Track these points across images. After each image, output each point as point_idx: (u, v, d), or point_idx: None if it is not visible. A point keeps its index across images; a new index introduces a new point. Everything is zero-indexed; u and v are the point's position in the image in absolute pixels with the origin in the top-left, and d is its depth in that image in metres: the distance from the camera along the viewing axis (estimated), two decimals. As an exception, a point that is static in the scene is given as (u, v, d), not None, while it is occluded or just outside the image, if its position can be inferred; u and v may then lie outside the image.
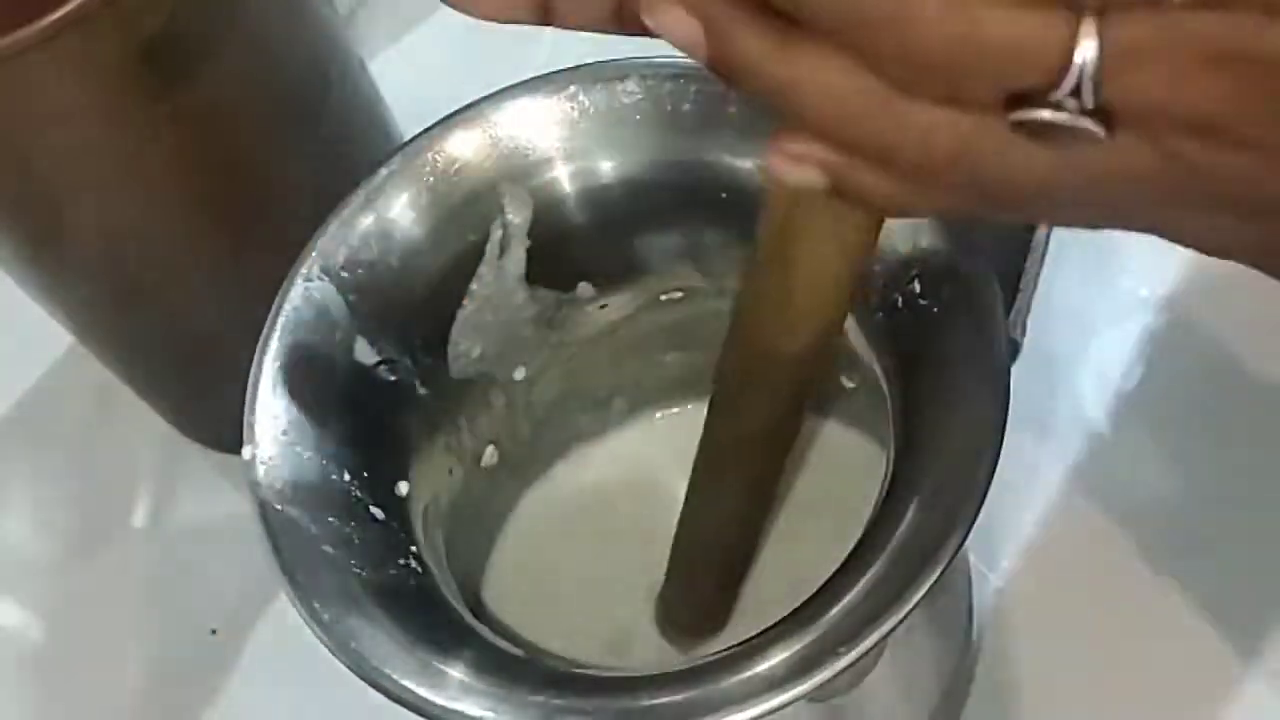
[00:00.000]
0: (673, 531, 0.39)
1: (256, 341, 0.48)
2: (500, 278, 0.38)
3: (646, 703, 0.31)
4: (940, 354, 0.34)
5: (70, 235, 0.44)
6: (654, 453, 0.44)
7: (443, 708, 0.31)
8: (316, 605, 0.33)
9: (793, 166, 0.23)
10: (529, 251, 0.38)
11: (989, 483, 0.32)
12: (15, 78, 0.37)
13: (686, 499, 0.37)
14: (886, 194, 0.23)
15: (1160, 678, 0.44)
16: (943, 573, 0.31)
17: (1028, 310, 0.46)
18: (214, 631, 0.51)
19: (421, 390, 0.37)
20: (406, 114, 0.52)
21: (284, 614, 0.51)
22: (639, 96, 0.37)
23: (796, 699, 0.30)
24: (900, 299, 0.35)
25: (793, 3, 0.22)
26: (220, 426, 0.54)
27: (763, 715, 0.30)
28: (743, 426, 0.34)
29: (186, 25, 0.39)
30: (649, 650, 0.41)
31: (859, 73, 0.21)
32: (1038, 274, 0.38)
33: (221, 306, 0.47)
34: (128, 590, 0.52)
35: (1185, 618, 0.44)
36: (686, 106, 0.37)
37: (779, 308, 0.30)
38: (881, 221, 0.28)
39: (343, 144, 0.47)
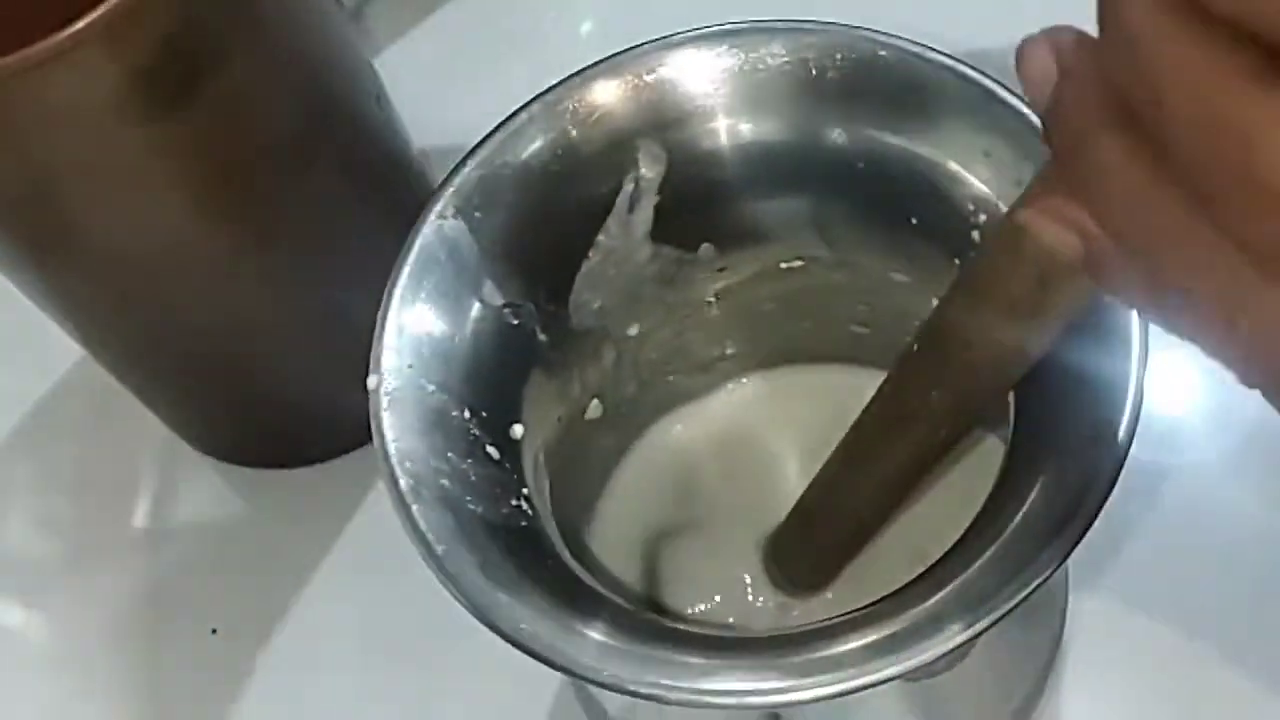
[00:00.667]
0: (769, 494, 0.40)
1: (258, 349, 0.47)
2: (627, 232, 0.38)
3: (765, 660, 0.31)
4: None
5: (79, 244, 0.44)
6: (755, 417, 0.43)
7: (585, 664, 0.31)
8: (431, 539, 0.33)
9: (1056, 228, 0.23)
10: (657, 208, 0.38)
11: (1119, 470, 0.31)
12: (28, 90, 0.37)
13: (836, 460, 0.37)
14: (1133, 294, 0.23)
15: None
16: (1064, 560, 0.31)
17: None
18: (214, 631, 0.51)
19: (541, 336, 0.37)
20: (411, 114, 0.52)
21: (284, 614, 0.50)
22: (784, 59, 0.37)
23: (899, 675, 0.30)
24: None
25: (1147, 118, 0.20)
26: (220, 436, 0.54)
27: (876, 683, 0.30)
28: (934, 436, 0.34)
29: (197, 38, 0.39)
30: (750, 607, 0.41)
31: (1163, 172, 0.20)
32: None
33: (227, 315, 0.47)
34: (128, 591, 0.52)
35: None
36: (831, 74, 0.36)
37: (1018, 349, 0.30)
38: None
39: (351, 149, 0.47)
